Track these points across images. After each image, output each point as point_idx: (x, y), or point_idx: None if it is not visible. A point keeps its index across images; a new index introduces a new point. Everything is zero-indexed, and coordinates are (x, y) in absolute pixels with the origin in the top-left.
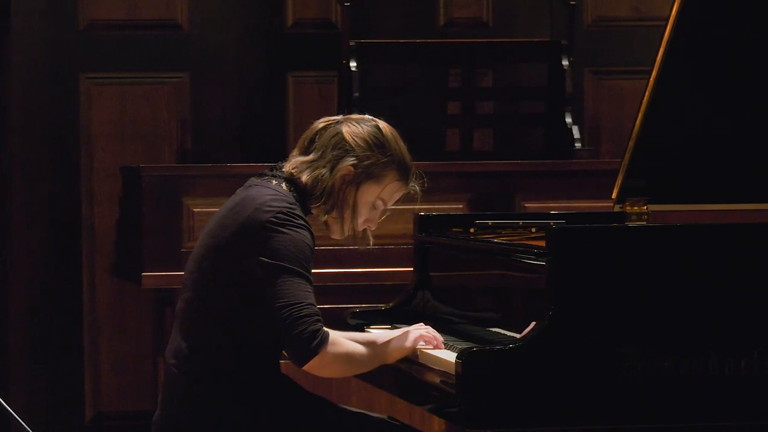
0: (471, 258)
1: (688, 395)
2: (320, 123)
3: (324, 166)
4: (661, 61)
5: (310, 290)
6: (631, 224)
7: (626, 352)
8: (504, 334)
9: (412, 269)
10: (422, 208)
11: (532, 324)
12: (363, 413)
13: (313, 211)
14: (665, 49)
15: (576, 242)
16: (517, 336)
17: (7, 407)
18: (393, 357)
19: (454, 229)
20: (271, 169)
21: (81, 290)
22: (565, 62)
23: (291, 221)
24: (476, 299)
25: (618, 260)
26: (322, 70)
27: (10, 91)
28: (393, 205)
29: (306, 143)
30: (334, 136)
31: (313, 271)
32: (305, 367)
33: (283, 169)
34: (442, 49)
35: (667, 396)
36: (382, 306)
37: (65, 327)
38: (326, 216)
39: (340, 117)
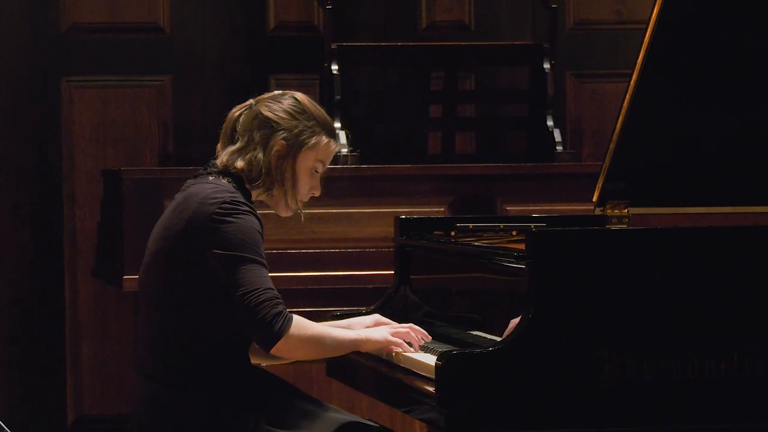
0: (452, 261)
1: (669, 398)
2: (235, 112)
3: (255, 149)
4: (642, 63)
5: (266, 275)
6: (611, 227)
7: (606, 355)
8: (485, 337)
9: (393, 272)
10: (403, 211)
11: (511, 323)
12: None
13: (254, 194)
14: (646, 52)
15: (556, 245)
16: (498, 339)
17: None
18: (367, 346)
19: (435, 232)
20: (205, 168)
21: (62, 293)
22: (546, 65)
23: (236, 209)
24: (457, 302)
25: (598, 263)
26: (305, 72)
27: None
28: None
29: (229, 133)
30: (254, 118)
31: (293, 274)
32: (273, 351)
33: (217, 163)
34: (423, 52)
35: (647, 399)
36: (364, 309)
37: (47, 329)
38: (267, 195)
39: (251, 101)
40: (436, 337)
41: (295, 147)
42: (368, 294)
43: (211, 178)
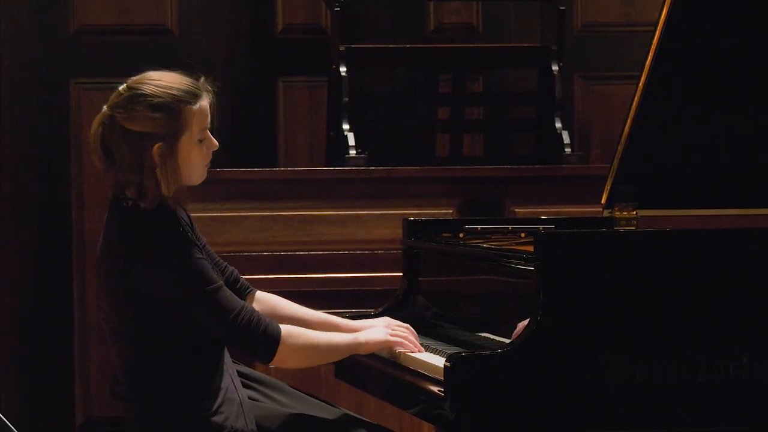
0: (460, 263)
1: (677, 401)
2: (95, 127)
3: (139, 165)
4: (650, 66)
5: (228, 294)
6: (619, 229)
7: (614, 357)
8: (493, 338)
9: (401, 274)
10: (411, 213)
11: (519, 325)
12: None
13: (168, 191)
14: (654, 55)
15: (564, 247)
16: (506, 341)
17: None
18: (366, 348)
19: (444, 234)
20: (119, 209)
21: (71, 295)
22: (554, 67)
23: (165, 245)
24: (465, 304)
25: (606, 265)
26: (313, 75)
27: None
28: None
29: (101, 153)
30: (120, 136)
31: (301, 276)
32: (273, 363)
33: (123, 193)
34: (432, 54)
35: (656, 402)
36: (372, 311)
37: (55, 332)
38: (179, 183)
39: (106, 110)
40: (445, 339)
41: (171, 140)
42: (376, 296)
43: (129, 218)
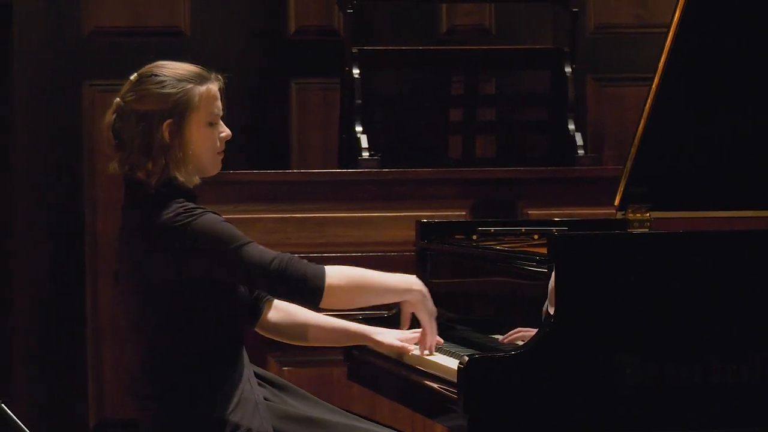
0: (473, 265)
1: (691, 403)
2: (108, 117)
3: (151, 146)
4: (663, 67)
5: (261, 247)
6: (633, 231)
7: (628, 359)
8: None
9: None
10: (424, 215)
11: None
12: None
13: (185, 180)
14: (667, 56)
15: (578, 249)
16: (519, 343)
17: (11, 414)
18: (397, 286)
19: (457, 236)
20: (135, 187)
21: (84, 297)
22: (567, 69)
23: (192, 214)
24: (478, 306)
25: (620, 267)
26: (326, 76)
27: (13, 98)
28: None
29: (115, 142)
30: (132, 119)
31: None
32: (323, 304)
33: (141, 178)
34: (444, 55)
35: (669, 403)
36: (385, 313)
37: (68, 334)
38: (192, 170)
39: (119, 100)
40: (458, 340)
41: (179, 118)
42: None
43: (146, 200)
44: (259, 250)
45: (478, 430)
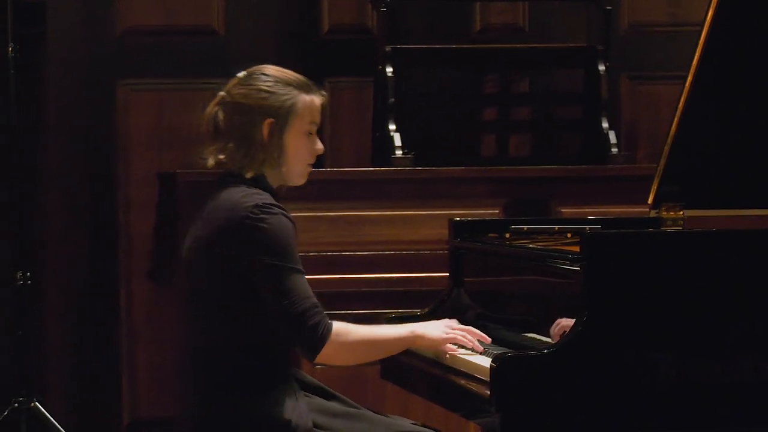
0: (506, 263)
1: (725, 401)
2: (211, 109)
3: (247, 140)
4: (697, 65)
5: (303, 282)
6: (666, 230)
7: (660, 357)
8: (539, 339)
9: (447, 275)
10: (457, 213)
11: (560, 322)
12: (378, 412)
13: (271, 180)
14: (700, 54)
15: (610, 247)
16: (552, 341)
17: (46, 413)
18: (422, 341)
19: (490, 235)
20: (224, 173)
21: (118, 296)
22: (601, 67)
23: (267, 212)
24: (511, 304)
25: (653, 266)
26: (358, 75)
27: (46, 98)
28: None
29: (213, 133)
30: (235, 110)
31: (347, 276)
32: (317, 360)
33: (229, 166)
34: (478, 54)
35: (702, 402)
36: (418, 311)
37: (102, 333)
38: (278, 174)
39: (223, 93)
40: (491, 339)
41: (282, 120)
42: (422, 296)
43: (236, 185)
44: (303, 284)
45: (512, 429)
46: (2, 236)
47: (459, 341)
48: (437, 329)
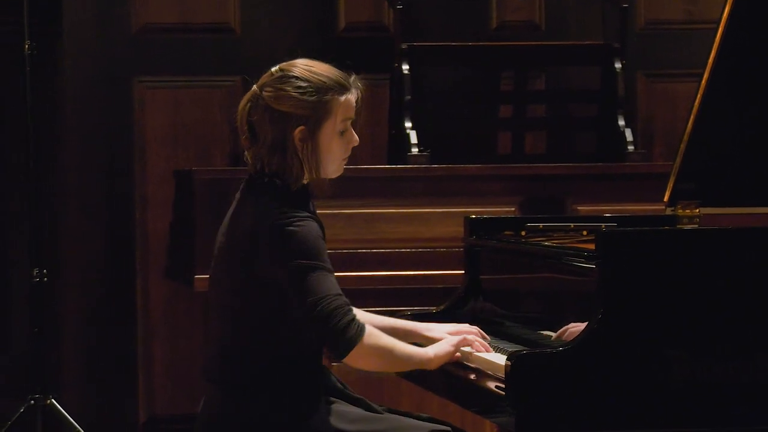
0: (521, 261)
1: (739, 399)
2: (244, 105)
3: (280, 145)
4: (713, 63)
5: (334, 281)
6: (682, 227)
7: (675, 355)
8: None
9: (462, 272)
10: (473, 211)
11: (566, 328)
12: (409, 413)
13: (306, 180)
14: (717, 52)
15: (626, 245)
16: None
17: (62, 410)
18: (434, 363)
19: (505, 232)
20: (253, 175)
21: (134, 293)
22: (617, 65)
23: (295, 217)
24: (526, 302)
25: (668, 263)
26: (375, 72)
27: (63, 95)
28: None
29: (246, 130)
30: (267, 115)
31: (363, 274)
32: (345, 360)
33: (260, 168)
34: (494, 51)
35: (717, 400)
36: (433, 309)
37: (119, 330)
38: (315, 170)
39: (255, 89)
40: (506, 337)
41: (315, 125)
42: (438, 294)
43: (265, 189)
44: (329, 281)
45: (527, 426)
46: (19, 233)
47: (469, 344)
48: (444, 346)
